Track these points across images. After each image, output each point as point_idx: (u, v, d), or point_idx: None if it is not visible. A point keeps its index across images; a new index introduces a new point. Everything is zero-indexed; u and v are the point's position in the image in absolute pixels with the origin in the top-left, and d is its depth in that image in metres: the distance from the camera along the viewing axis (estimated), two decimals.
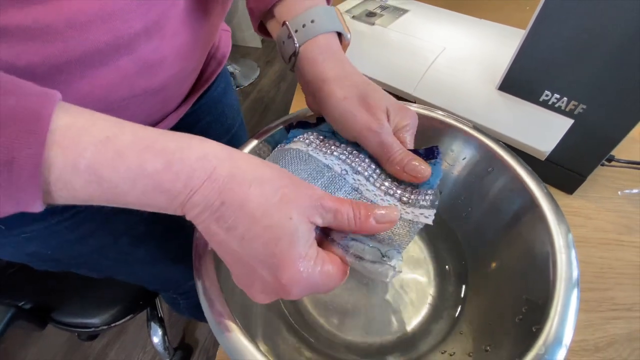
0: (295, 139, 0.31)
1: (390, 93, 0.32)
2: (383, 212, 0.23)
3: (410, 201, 0.28)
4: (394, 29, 0.58)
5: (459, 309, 0.34)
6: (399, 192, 0.29)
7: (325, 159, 0.29)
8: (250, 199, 0.20)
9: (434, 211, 0.27)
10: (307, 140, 0.30)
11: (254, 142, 0.35)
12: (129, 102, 0.32)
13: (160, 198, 0.20)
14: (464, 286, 0.36)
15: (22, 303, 0.65)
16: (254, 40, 2.28)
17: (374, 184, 0.29)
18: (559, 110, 0.42)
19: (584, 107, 0.40)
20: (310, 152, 0.29)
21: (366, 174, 0.29)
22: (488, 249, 0.35)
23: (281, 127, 0.36)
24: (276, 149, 0.30)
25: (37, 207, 0.18)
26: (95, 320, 0.67)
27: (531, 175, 0.32)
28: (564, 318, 0.23)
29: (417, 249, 0.40)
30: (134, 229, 0.47)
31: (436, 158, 0.29)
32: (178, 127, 0.44)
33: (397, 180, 0.29)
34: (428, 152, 0.29)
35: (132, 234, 0.47)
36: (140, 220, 0.47)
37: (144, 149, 0.19)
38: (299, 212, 0.21)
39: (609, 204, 0.46)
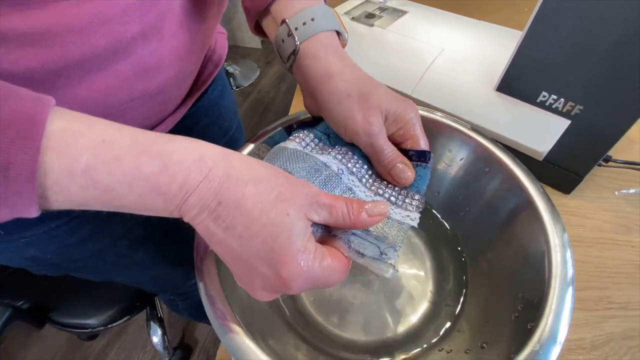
0: (291, 137, 0.31)
1: None
2: (374, 205, 0.24)
3: (397, 202, 0.29)
4: (393, 30, 0.59)
5: (457, 307, 0.35)
6: (388, 192, 0.30)
7: (323, 157, 0.29)
8: (247, 198, 0.21)
9: (419, 215, 0.28)
10: (303, 142, 0.31)
11: (252, 146, 0.35)
12: (127, 106, 0.33)
13: (157, 200, 0.20)
14: (462, 284, 0.36)
15: (20, 303, 0.65)
16: (253, 41, 2.28)
17: (365, 185, 0.30)
18: (556, 111, 0.43)
19: (581, 107, 0.41)
20: (308, 152, 0.29)
21: (359, 175, 0.30)
22: (485, 247, 0.36)
23: (280, 128, 0.36)
24: (274, 147, 0.31)
25: (33, 213, 0.18)
26: (92, 321, 0.67)
27: (527, 175, 0.32)
28: (559, 316, 0.24)
29: (416, 248, 0.40)
30: (132, 232, 0.47)
31: (427, 163, 0.30)
32: (176, 130, 0.44)
33: (386, 182, 0.31)
34: (419, 154, 0.30)
35: (130, 237, 0.47)
36: (138, 224, 0.47)
37: (140, 152, 0.19)
38: (295, 209, 0.22)
39: (606, 204, 0.47)
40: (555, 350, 0.23)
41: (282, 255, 0.21)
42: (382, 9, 0.65)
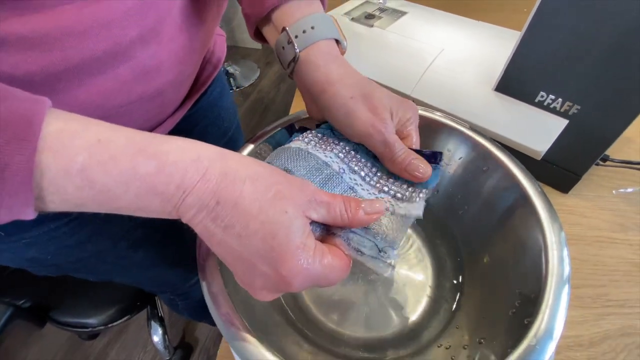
0: (294, 139, 0.32)
1: None
2: (370, 203, 0.25)
3: (404, 197, 0.29)
4: (393, 30, 0.59)
5: (455, 304, 0.35)
6: (394, 188, 0.29)
7: (325, 156, 0.29)
8: (244, 196, 0.21)
9: (424, 204, 0.28)
10: (306, 139, 0.31)
11: (251, 146, 0.35)
12: (126, 108, 0.33)
13: (154, 201, 0.20)
14: (460, 281, 0.37)
15: (21, 302, 0.65)
16: (253, 41, 2.29)
17: (369, 183, 0.29)
18: (554, 110, 0.43)
19: (579, 107, 0.41)
20: (310, 150, 0.29)
21: (362, 173, 0.30)
22: (483, 245, 0.36)
23: (279, 129, 0.37)
24: (277, 149, 0.31)
25: (30, 214, 0.18)
26: (92, 321, 0.67)
27: (525, 174, 0.33)
28: (555, 312, 0.24)
29: (415, 246, 0.40)
30: (132, 234, 0.47)
31: (438, 164, 0.30)
32: (175, 131, 0.44)
33: (393, 178, 0.30)
34: (432, 156, 0.30)
35: (129, 238, 0.47)
36: (137, 225, 0.47)
37: (136, 152, 0.19)
38: (293, 207, 0.22)
39: (603, 203, 0.47)
40: (551, 346, 0.23)
41: (281, 252, 0.21)
42: (382, 10, 0.65)
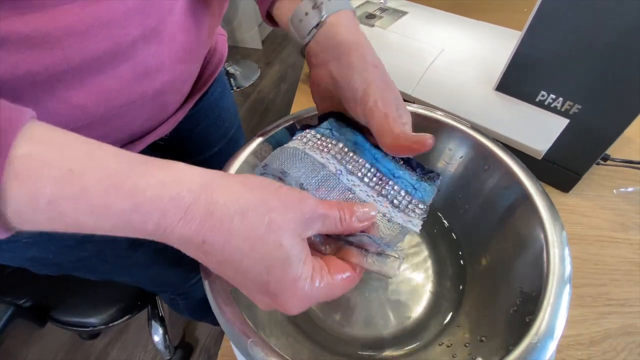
0: (294, 138, 0.32)
1: None
2: (362, 210, 0.24)
3: (400, 206, 0.29)
4: (393, 30, 0.59)
5: (456, 302, 0.35)
6: (392, 193, 0.29)
7: (322, 157, 0.29)
8: (234, 235, 0.19)
9: (421, 222, 0.28)
10: (304, 139, 0.31)
11: (252, 146, 0.35)
12: (127, 108, 0.33)
13: (132, 233, 0.19)
14: (461, 280, 0.37)
15: (22, 301, 0.65)
16: (254, 41, 2.29)
17: (368, 184, 0.29)
18: (554, 110, 0.43)
19: (579, 107, 0.41)
20: (307, 151, 0.29)
21: (360, 174, 0.29)
22: (484, 244, 0.36)
23: (280, 128, 0.37)
24: (276, 149, 0.31)
25: (1, 235, 0.17)
26: (93, 320, 0.67)
27: (526, 173, 0.33)
28: (556, 311, 0.24)
29: (416, 244, 0.40)
30: None
31: (434, 182, 0.30)
32: (176, 131, 0.45)
33: (393, 181, 0.30)
34: (425, 170, 0.30)
35: (129, 238, 0.47)
36: None
37: (110, 187, 0.18)
38: (289, 236, 0.20)
39: (604, 202, 0.47)
40: (552, 345, 0.23)
41: (277, 287, 0.20)
42: (383, 10, 0.65)
